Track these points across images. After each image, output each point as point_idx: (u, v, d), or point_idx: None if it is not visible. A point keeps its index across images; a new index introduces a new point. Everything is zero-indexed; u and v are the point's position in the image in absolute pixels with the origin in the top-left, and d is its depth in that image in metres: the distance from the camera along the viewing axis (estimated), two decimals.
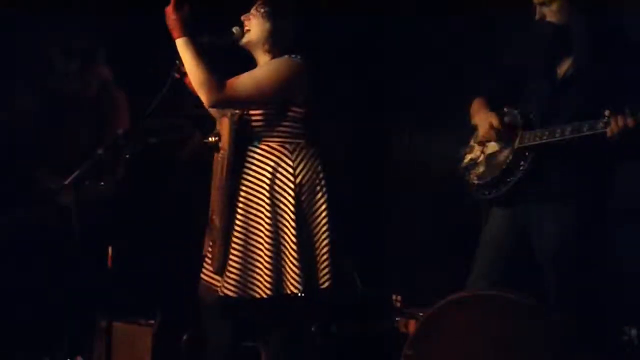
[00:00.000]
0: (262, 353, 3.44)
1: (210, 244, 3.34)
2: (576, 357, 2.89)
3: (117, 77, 4.33)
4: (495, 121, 3.30)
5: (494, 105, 3.40)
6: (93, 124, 4.22)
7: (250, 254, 3.20)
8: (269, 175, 3.21)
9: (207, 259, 3.36)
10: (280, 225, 3.19)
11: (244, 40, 3.29)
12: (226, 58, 3.30)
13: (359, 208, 3.72)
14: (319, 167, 3.26)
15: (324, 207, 3.24)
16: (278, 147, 3.24)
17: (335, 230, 3.23)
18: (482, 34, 4.45)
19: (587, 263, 3.25)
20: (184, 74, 3.25)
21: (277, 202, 3.20)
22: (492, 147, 3.37)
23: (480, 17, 4.46)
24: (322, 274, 3.21)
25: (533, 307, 2.95)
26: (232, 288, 3.18)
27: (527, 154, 3.22)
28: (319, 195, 3.25)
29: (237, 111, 3.20)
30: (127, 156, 3.46)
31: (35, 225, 4.08)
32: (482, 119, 3.37)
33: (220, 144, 3.31)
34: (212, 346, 3.41)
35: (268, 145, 3.24)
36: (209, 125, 3.44)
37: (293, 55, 3.24)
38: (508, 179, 3.26)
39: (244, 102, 3.20)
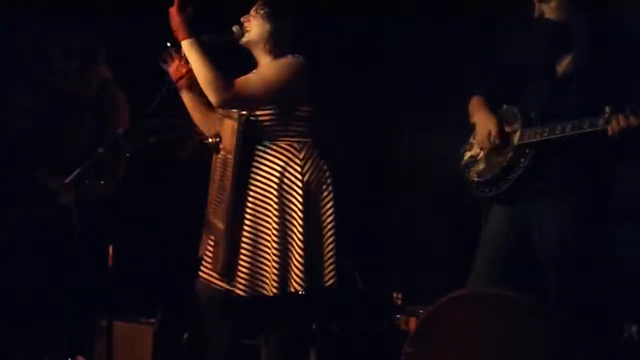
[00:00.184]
0: (263, 351, 3.44)
1: (211, 244, 3.34)
2: (576, 355, 2.89)
3: (117, 77, 4.33)
4: (494, 131, 3.29)
5: (493, 104, 3.40)
6: (93, 124, 4.22)
7: (259, 252, 3.21)
8: (277, 175, 3.22)
9: (205, 258, 3.36)
10: (288, 224, 3.20)
11: (244, 39, 3.30)
12: (226, 57, 3.31)
13: (359, 208, 3.72)
14: (325, 166, 3.28)
15: (330, 205, 3.25)
16: (286, 147, 3.25)
17: (340, 229, 3.24)
18: (482, 34, 4.44)
19: (588, 261, 3.24)
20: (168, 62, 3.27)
21: (286, 201, 3.21)
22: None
23: (480, 17, 4.46)
24: (326, 272, 3.23)
25: (533, 306, 2.94)
26: (243, 287, 3.19)
27: (527, 151, 3.22)
28: (325, 194, 3.27)
29: (243, 112, 3.20)
30: (127, 156, 3.46)
31: (35, 225, 4.08)
32: (482, 119, 3.36)
33: (221, 145, 3.32)
34: (212, 345, 3.42)
35: (276, 145, 3.25)
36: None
37: (295, 55, 3.25)
38: (508, 177, 3.25)
39: (251, 102, 3.21)
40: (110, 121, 4.20)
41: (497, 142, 3.27)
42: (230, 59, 3.40)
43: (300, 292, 3.17)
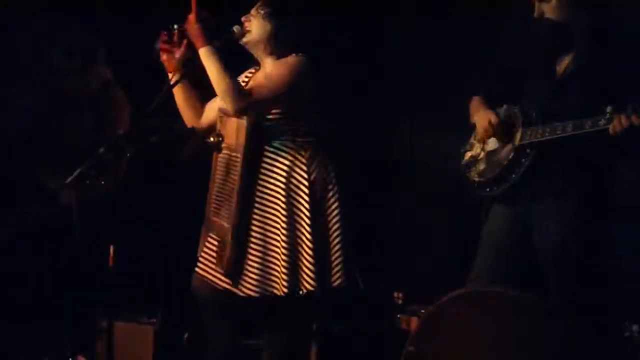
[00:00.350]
0: (263, 351, 3.44)
1: (214, 243, 3.34)
2: (577, 355, 2.89)
3: (117, 77, 4.33)
4: (493, 118, 3.30)
5: (493, 104, 3.40)
6: (93, 124, 4.21)
7: (269, 252, 3.21)
8: (284, 174, 3.22)
9: (205, 257, 3.36)
10: (297, 224, 3.20)
11: (245, 40, 3.30)
12: (226, 57, 3.31)
13: (359, 208, 3.72)
14: (330, 165, 3.28)
15: (336, 204, 3.26)
16: (292, 146, 3.25)
17: (346, 229, 3.25)
18: (482, 34, 4.44)
19: (588, 261, 3.24)
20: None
21: (293, 201, 3.22)
22: (493, 144, 3.36)
23: (480, 17, 4.46)
24: (335, 272, 3.24)
25: (534, 305, 2.95)
26: (253, 287, 3.19)
27: (528, 151, 3.22)
28: (331, 193, 3.27)
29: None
30: (128, 156, 3.45)
31: (36, 225, 4.08)
32: (482, 117, 3.37)
33: (224, 144, 3.32)
34: (212, 344, 3.42)
35: (282, 144, 3.25)
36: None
37: (298, 54, 3.25)
38: (509, 176, 3.26)
39: (267, 106, 3.21)
40: (110, 121, 4.19)
41: (498, 125, 3.27)
42: (229, 60, 3.41)
43: (311, 292, 3.18)
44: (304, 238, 3.19)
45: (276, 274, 3.20)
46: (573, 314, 3.15)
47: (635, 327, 3.59)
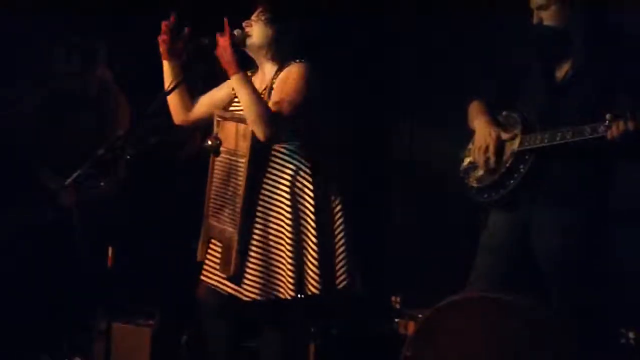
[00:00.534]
0: (261, 353, 3.45)
1: (215, 248, 3.34)
2: (575, 359, 2.89)
3: (117, 77, 4.33)
4: (491, 147, 3.29)
5: (493, 109, 3.40)
6: (93, 125, 4.22)
7: (271, 255, 3.22)
8: (289, 178, 3.23)
9: (209, 263, 3.36)
10: (302, 227, 3.21)
11: (246, 45, 3.29)
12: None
13: (359, 208, 3.72)
14: (332, 168, 3.29)
15: (339, 207, 3.27)
16: (296, 149, 3.25)
17: (348, 230, 3.26)
18: (482, 34, 4.43)
19: (588, 266, 3.24)
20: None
21: (298, 204, 3.22)
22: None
23: (480, 17, 4.45)
24: (340, 274, 3.25)
25: (533, 310, 2.94)
26: (256, 291, 3.20)
27: (527, 157, 3.22)
28: (334, 195, 3.28)
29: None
30: (128, 157, 3.46)
31: (36, 226, 4.08)
32: (482, 128, 3.35)
33: (222, 148, 3.32)
34: (212, 347, 3.42)
35: (286, 149, 3.25)
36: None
37: (298, 60, 3.25)
38: (507, 182, 3.25)
39: (291, 123, 3.20)
40: (110, 122, 4.20)
41: (492, 160, 3.27)
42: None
43: (317, 295, 3.18)
44: (309, 241, 3.20)
45: (281, 277, 3.20)
46: (572, 317, 3.15)
47: (631, 334, 3.59)
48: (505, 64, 3.48)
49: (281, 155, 3.25)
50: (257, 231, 3.22)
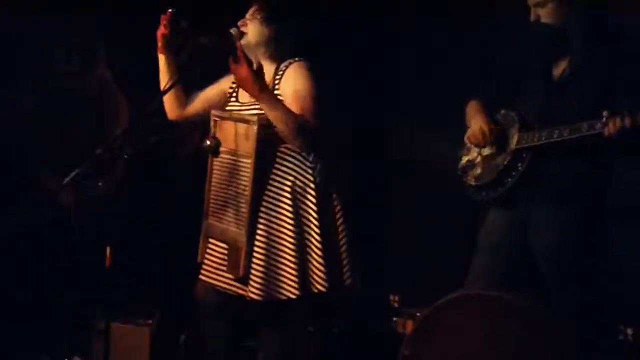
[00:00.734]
0: (259, 353, 3.45)
1: (217, 250, 3.34)
2: (574, 357, 2.89)
3: (117, 77, 4.34)
4: (485, 127, 3.29)
5: (490, 108, 3.40)
6: (93, 124, 4.22)
7: (274, 256, 3.21)
8: (291, 178, 3.23)
9: (210, 264, 3.36)
10: (304, 227, 3.22)
11: (243, 43, 3.29)
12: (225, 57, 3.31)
13: (359, 208, 3.72)
14: (333, 167, 3.29)
15: (340, 205, 3.27)
16: (297, 149, 3.25)
17: (349, 228, 3.26)
18: (482, 34, 4.43)
19: (585, 263, 3.24)
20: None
21: (300, 204, 3.23)
22: (489, 148, 3.37)
23: (480, 17, 4.45)
24: (345, 271, 3.26)
25: (531, 308, 2.94)
26: (258, 292, 3.19)
27: (524, 155, 3.22)
28: (335, 195, 3.28)
29: (262, 116, 3.17)
30: (126, 156, 3.46)
31: (35, 226, 4.08)
32: (478, 122, 3.36)
33: (222, 148, 3.31)
34: (211, 348, 3.42)
35: (288, 148, 3.25)
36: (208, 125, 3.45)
37: (297, 58, 3.25)
38: (505, 180, 3.26)
39: (319, 129, 3.19)
40: (110, 121, 4.21)
41: (488, 134, 3.27)
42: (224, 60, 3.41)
43: (324, 293, 3.19)
44: (312, 240, 3.21)
45: (284, 278, 3.20)
46: (570, 316, 3.15)
47: (629, 331, 3.59)
48: (504, 63, 3.48)
49: (283, 155, 3.25)
50: (260, 232, 3.22)
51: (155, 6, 3.47)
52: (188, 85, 3.50)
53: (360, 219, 3.49)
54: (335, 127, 3.71)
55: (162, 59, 3.40)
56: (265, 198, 3.24)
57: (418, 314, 3.65)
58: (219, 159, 3.33)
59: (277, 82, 3.24)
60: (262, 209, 3.23)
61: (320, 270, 3.19)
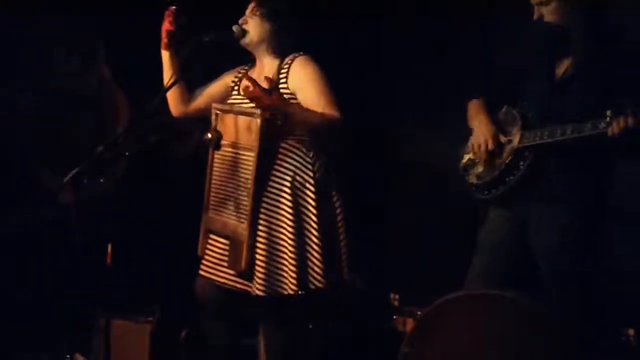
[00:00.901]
0: (260, 351, 3.45)
1: (217, 245, 3.34)
2: (574, 357, 2.88)
3: (117, 76, 4.33)
4: (490, 142, 3.28)
5: (492, 107, 3.40)
6: (93, 124, 4.22)
7: (275, 251, 3.22)
8: (290, 173, 3.24)
9: (210, 259, 3.36)
10: (304, 223, 3.23)
11: (245, 41, 3.31)
12: (225, 56, 3.32)
13: (359, 207, 3.72)
14: (332, 164, 3.30)
15: (339, 202, 3.28)
16: (297, 145, 3.26)
17: (348, 227, 3.26)
18: (482, 34, 4.44)
19: (586, 264, 3.24)
20: None
21: (299, 199, 3.24)
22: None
23: (480, 17, 4.45)
24: (342, 269, 3.28)
25: (531, 307, 2.94)
26: (262, 287, 3.19)
27: (526, 154, 3.21)
28: (334, 193, 3.29)
29: (265, 110, 3.19)
30: (127, 155, 3.47)
31: (35, 225, 4.08)
32: (480, 125, 3.35)
33: (223, 141, 3.32)
34: (212, 344, 3.42)
35: (288, 144, 3.25)
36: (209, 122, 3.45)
37: (301, 53, 3.27)
38: (507, 179, 3.25)
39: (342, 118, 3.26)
40: (110, 121, 4.20)
41: (492, 151, 3.27)
42: (228, 58, 3.42)
43: (320, 289, 3.18)
44: (311, 236, 3.21)
45: (284, 273, 3.20)
46: (570, 316, 3.14)
47: (631, 332, 3.58)
48: (505, 63, 3.47)
49: (283, 150, 3.25)
50: (261, 226, 3.22)
51: (155, 5, 3.47)
52: (189, 83, 3.51)
53: (359, 218, 3.50)
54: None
55: (166, 55, 3.41)
56: (266, 192, 3.24)
57: (418, 313, 3.66)
58: (220, 152, 3.34)
59: (282, 76, 3.25)
60: (263, 203, 3.24)
61: (318, 267, 3.20)
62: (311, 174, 3.26)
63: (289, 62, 3.27)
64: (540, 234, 3.25)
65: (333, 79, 3.45)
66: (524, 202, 3.28)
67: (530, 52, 3.35)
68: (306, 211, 3.23)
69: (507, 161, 3.26)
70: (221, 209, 3.33)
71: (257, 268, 3.20)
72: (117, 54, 4.36)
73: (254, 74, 3.35)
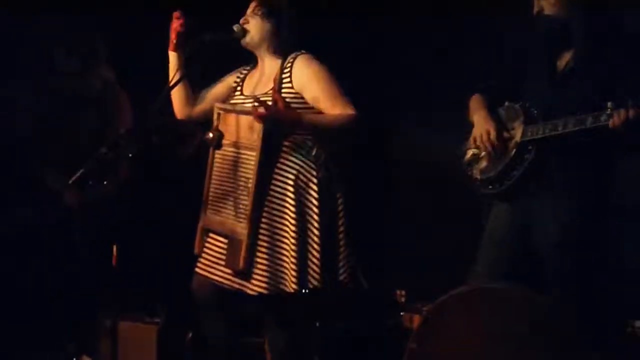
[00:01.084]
0: (266, 349, 3.44)
1: (216, 243, 3.33)
2: (579, 351, 2.89)
3: (118, 76, 4.33)
4: (492, 133, 3.29)
5: (493, 102, 3.40)
6: (95, 124, 4.21)
7: (277, 249, 3.22)
8: (294, 172, 3.24)
9: (206, 257, 3.35)
10: (306, 222, 3.23)
11: (246, 40, 3.31)
12: (225, 55, 3.32)
13: (360, 206, 3.73)
14: (333, 163, 3.30)
15: (341, 202, 3.28)
16: (300, 143, 3.25)
17: (349, 226, 3.26)
18: (482, 34, 4.45)
19: (589, 258, 3.24)
20: None
21: (302, 198, 3.24)
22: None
23: (480, 17, 4.46)
24: (340, 267, 3.26)
25: (536, 301, 2.95)
26: (264, 285, 3.19)
27: (529, 147, 3.22)
28: (337, 192, 3.29)
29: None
30: (130, 156, 3.46)
31: (39, 225, 4.07)
32: (481, 119, 3.36)
33: (224, 141, 3.32)
34: (212, 343, 3.42)
35: (291, 142, 3.25)
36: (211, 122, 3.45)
37: (303, 51, 3.27)
38: (511, 173, 3.26)
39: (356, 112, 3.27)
40: (112, 121, 4.19)
41: (495, 143, 3.27)
42: (229, 58, 3.42)
43: (318, 288, 3.18)
44: (312, 235, 3.21)
45: (285, 271, 3.20)
46: (575, 309, 3.15)
47: (638, 323, 3.59)
48: (505, 58, 3.48)
49: (286, 149, 3.26)
50: (263, 225, 3.22)
51: (155, 6, 3.48)
52: (190, 83, 3.51)
53: (363, 214, 3.50)
54: None
55: (173, 56, 3.40)
56: (269, 191, 3.24)
57: (425, 309, 3.66)
58: (221, 152, 3.34)
59: (285, 75, 3.25)
60: (266, 202, 3.24)
61: (315, 265, 3.20)
62: (314, 172, 3.27)
63: (291, 60, 3.28)
64: (543, 230, 3.26)
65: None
66: (528, 197, 3.28)
67: (530, 47, 3.35)
68: (309, 210, 3.23)
69: (511, 155, 3.26)
70: (221, 208, 3.33)
71: (260, 266, 3.20)
72: (119, 54, 4.35)
73: (256, 72, 3.36)
